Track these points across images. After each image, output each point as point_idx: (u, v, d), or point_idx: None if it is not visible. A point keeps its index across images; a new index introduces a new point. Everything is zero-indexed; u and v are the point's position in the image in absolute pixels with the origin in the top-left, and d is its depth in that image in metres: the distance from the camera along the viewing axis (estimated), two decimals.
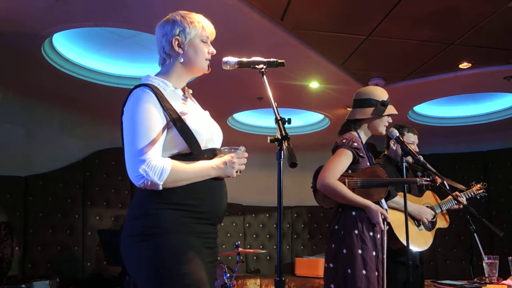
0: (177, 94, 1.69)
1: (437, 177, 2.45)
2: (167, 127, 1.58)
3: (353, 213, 2.32)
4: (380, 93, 2.53)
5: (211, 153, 1.65)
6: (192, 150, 1.58)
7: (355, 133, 2.49)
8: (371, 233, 2.30)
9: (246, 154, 1.66)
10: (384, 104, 2.47)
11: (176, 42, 1.66)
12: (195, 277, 1.50)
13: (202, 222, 1.59)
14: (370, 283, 2.22)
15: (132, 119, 1.55)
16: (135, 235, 1.54)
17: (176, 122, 1.57)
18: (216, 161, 1.61)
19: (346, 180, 2.35)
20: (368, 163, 2.44)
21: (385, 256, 2.33)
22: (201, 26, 1.69)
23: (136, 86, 1.61)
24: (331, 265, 2.33)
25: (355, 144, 2.38)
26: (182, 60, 1.68)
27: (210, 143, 1.66)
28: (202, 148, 1.61)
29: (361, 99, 2.51)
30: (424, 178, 2.47)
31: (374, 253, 2.28)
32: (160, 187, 1.51)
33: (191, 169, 1.57)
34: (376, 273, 2.26)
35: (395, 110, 2.53)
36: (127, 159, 1.54)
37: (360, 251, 2.25)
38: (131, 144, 1.53)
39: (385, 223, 2.34)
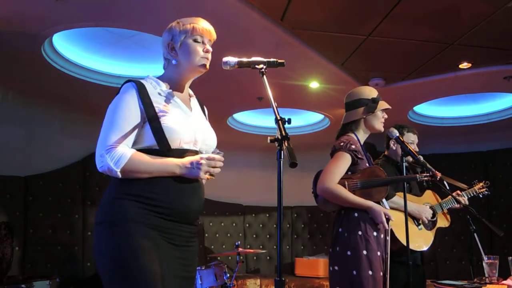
0: (167, 94, 1.71)
1: (436, 171, 2.45)
2: (142, 122, 1.64)
3: (356, 214, 2.32)
4: (369, 92, 2.55)
5: (181, 153, 1.65)
6: (159, 147, 1.63)
7: (352, 135, 2.50)
8: (375, 233, 2.30)
9: (221, 159, 1.65)
10: (374, 101, 2.50)
11: (170, 46, 1.76)
12: (145, 269, 1.51)
13: (162, 217, 1.60)
14: (376, 283, 2.22)
15: (109, 108, 1.67)
16: (99, 222, 1.61)
17: (151, 118, 1.63)
18: (184, 160, 1.63)
19: (346, 183, 2.34)
20: (367, 164, 2.44)
21: (388, 256, 2.33)
22: (192, 26, 1.73)
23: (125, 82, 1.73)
24: (336, 268, 2.31)
25: (353, 146, 2.38)
26: (174, 62, 1.76)
27: (188, 145, 1.67)
28: (173, 147, 1.63)
29: (352, 101, 2.54)
30: (424, 174, 2.46)
31: (378, 253, 2.28)
32: (119, 174, 1.57)
33: (152, 162, 1.60)
34: (381, 273, 2.25)
35: (387, 105, 2.54)
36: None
37: (365, 252, 2.24)
38: (101, 131, 1.63)
39: (389, 222, 2.33)
